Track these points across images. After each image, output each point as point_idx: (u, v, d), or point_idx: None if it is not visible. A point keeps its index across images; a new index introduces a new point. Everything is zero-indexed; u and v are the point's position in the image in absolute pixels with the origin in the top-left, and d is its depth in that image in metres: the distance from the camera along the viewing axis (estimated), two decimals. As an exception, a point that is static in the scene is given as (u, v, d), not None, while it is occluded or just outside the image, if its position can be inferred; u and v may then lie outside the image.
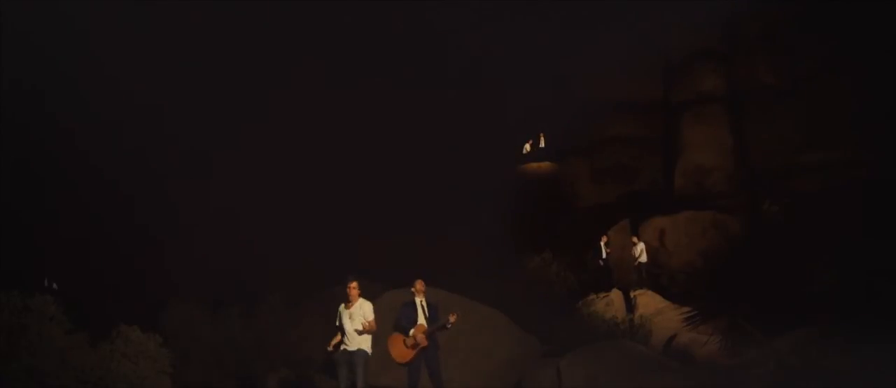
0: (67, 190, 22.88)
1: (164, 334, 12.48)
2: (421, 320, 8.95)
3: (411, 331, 8.88)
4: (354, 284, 8.44)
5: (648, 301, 16.69)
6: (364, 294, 8.62)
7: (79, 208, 22.92)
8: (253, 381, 14.09)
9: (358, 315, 8.34)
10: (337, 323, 8.55)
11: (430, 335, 8.85)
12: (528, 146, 26.44)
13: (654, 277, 18.64)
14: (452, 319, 8.79)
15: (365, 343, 8.38)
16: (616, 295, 17.30)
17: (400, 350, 8.91)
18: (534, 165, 26.27)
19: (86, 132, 22.70)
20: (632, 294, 17.31)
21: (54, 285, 20.10)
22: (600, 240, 19.66)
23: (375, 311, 8.53)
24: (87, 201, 22.95)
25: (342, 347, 8.45)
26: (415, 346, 8.83)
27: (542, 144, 26.39)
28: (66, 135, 22.65)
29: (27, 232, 21.53)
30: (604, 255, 19.36)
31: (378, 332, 8.58)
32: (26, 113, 22.22)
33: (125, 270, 20.88)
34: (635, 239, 19.05)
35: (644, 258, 18.50)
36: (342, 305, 8.55)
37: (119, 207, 23.17)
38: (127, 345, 11.45)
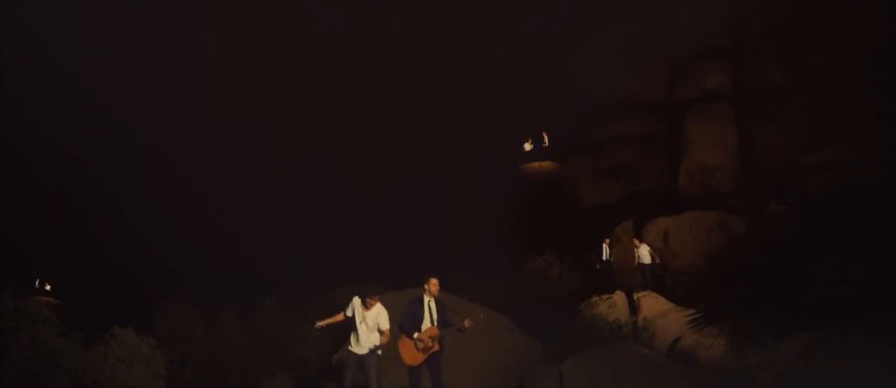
0: (62, 191, 22.89)
1: (159, 336, 12.33)
2: (427, 322, 8.52)
3: (419, 334, 8.47)
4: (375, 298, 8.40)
5: (652, 303, 16.44)
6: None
7: (73, 208, 22.90)
8: (250, 385, 13.93)
9: (373, 321, 8.28)
10: (349, 313, 8.38)
11: (442, 339, 8.50)
12: (529, 145, 26.12)
13: (659, 278, 18.39)
14: (467, 324, 8.47)
15: (376, 345, 8.32)
16: (619, 297, 17.03)
17: (411, 353, 8.51)
18: (535, 164, 25.98)
19: (82, 133, 22.69)
20: (635, 296, 17.07)
21: (47, 287, 20.09)
22: (603, 242, 19.45)
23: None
24: (81, 202, 22.93)
25: (350, 348, 8.34)
26: (426, 350, 8.46)
27: (546, 143, 26.08)
28: (61, 136, 22.64)
29: (20, 233, 21.48)
30: (605, 256, 19.15)
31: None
32: (22, 113, 22.22)
33: (120, 271, 20.82)
34: (637, 242, 18.82)
35: (648, 260, 18.25)
36: (361, 302, 8.38)
37: (114, 208, 23.16)
38: (121, 348, 11.29)
